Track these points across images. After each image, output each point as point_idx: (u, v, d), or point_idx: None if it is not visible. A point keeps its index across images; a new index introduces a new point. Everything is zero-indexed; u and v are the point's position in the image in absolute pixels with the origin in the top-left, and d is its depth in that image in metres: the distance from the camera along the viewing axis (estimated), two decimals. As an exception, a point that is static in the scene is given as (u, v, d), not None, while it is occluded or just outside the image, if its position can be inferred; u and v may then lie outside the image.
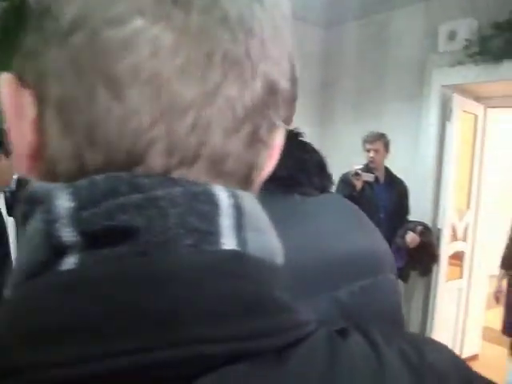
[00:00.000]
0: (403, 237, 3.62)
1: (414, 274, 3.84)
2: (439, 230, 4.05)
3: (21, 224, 0.32)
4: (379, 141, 3.86)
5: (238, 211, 0.32)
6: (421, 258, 3.71)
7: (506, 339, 3.72)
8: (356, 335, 0.34)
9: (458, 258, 4.37)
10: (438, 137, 4.12)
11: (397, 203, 3.79)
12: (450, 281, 4.25)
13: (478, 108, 4.28)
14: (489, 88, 4.03)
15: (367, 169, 3.83)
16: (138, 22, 0.29)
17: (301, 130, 0.81)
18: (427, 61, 4.20)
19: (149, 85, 0.30)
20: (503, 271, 4.02)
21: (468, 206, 4.39)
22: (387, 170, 3.95)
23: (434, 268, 3.99)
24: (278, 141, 0.38)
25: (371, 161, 3.88)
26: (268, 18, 0.33)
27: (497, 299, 4.05)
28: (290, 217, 0.71)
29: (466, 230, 4.39)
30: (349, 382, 0.30)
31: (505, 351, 3.46)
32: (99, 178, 0.30)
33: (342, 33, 4.99)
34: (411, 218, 3.87)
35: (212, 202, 0.31)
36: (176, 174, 0.31)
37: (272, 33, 0.34)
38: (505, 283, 4.00)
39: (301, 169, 0.75)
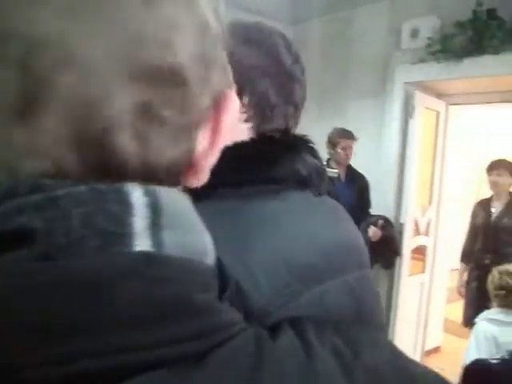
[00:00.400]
0: (365, 231, 3.66)
1: (376, 268, 3.89)
2: (402, 225, 4.11)
3: None
4: (354, 137, 3.88)
5: (154, 210, 0.30)
6: (383, 251, 3.75)
7: (467, 331, 3.81)
8: (289, 335, 0.33)
9: (420, 252, 4.45)
10: (400, 133, 4.18)
11: (358, 198, 3.81)
12: (413, 275, 4.33)
13: (439, 105, 4.35)
14: (450, 85, 4.10)
15: (328, 165, 3.84)
16: None
17: (310, 137, 0.86)
18: (390, 58, 4.25)
19: None
20: (464, 265, 4.12)
21: (430, 202, 4.47)
22: (349, 166, 3.97)
23: (397, 262, 4.05)
24: (224, 116, 0.37)
25: (347, 158, 3.88)
26: None
27: (460, 293, 4.14)
28: (310, 209, 0.76)
29: (428, 224, 4.47)
30: None
31: (465, 343, 3.53)
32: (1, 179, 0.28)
33: (307, 29, 5.00)
34: (374, 212, 3.91)
35: (123, 200, 0.29)
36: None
37: None
38: (465, 277, 4.10)
39: (316, 172, 0.79)
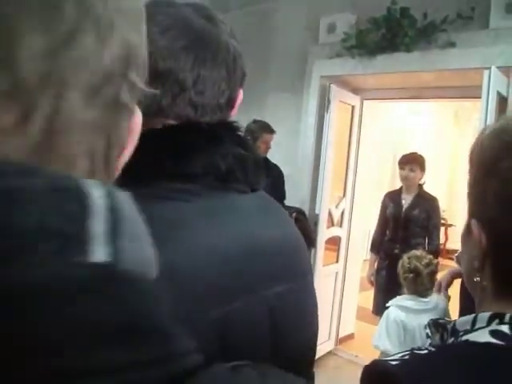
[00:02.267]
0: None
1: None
2: (317, 216, 4.19)
3: None
4: (275, 131, 3.91)
5: (115, 215, 0.28)
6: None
7: (378, 318, 3.96)
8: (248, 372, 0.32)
9: (334, 243, 4.57)
10: (316, 126, 4.26)
11: (271, 189, 3.83)
12: (327, 265, 4.44)
13: (354, 99, 4.47)
14: (365, 80, 4.23)
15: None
16: None
17: (240, 124, 0.75)
18: (309, 52, 4.31)
19: None
20: (374, 255, 4.27)
21: (344, 194, 4.59)
22: (265, 158, 3.97)
23: (312, 253, 4.13)
24: (137, 114, 0.36)
25: (266, 151, 3.90)
26: None
27: (370, 282, 4.29)
28: (227, 213, 0.68)
29: (342, 216, 4.60)
30: None
31: (376, 328, 3.68)
32: None
33: (227, 21, 4.97)
34: (291, 203, 3.97)
35: (81, 201, 0.27)
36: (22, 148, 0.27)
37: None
38: (376, 266, 4.25)
39: (241, 166, 0.70)
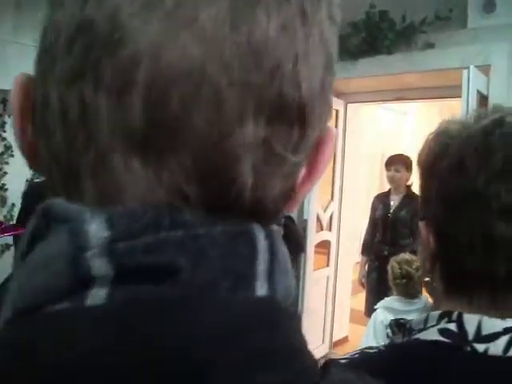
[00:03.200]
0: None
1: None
2: (305, 221, 4.20)
3: (30, 237, 0.29)
4: None
5: (272, 254, 0.31)
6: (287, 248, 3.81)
7: (370, 321, 3.96)
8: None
9: (324, 247, 4.58)
10: (301, 131, 4.26)
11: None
12: (318, 269, 4.44)
13: (338, 103, 4.49)
14: (348, 84, 4.24)
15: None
16: None
17: None
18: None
19: None
20: (364, 258, 4.28)
21: (332, 197, 4.60)
22: None
23: (302, 258, 4.13)
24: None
25: None
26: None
27: (361, 284, 4.30)
28: None
29: (330, 220, 4.61)
30: None
31: (369, 331, 3.68)
32: (138, 208, 0.28)
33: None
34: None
35: (251, 243, 0.30)
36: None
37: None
38: (367, 268, 4.26)
39: None
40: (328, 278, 4.63)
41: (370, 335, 2.84)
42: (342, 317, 4.92)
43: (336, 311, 4.76)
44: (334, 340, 4.78)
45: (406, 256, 3.08)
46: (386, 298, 3.02)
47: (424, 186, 0.70)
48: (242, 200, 0.31)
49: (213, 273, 0.28)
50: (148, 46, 0.27)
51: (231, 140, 0.29)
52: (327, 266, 4.63)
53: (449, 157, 0.65)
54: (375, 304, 3.23)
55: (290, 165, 0.32)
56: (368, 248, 4.25)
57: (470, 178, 0.63)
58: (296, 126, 0.31)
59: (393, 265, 3.04)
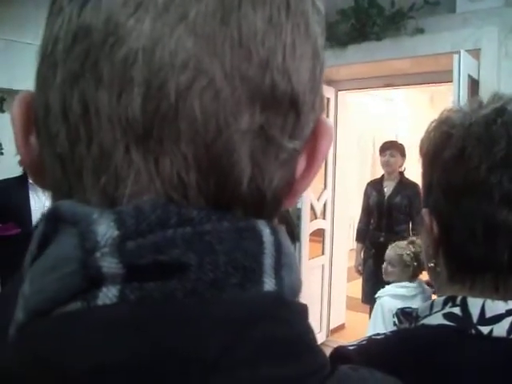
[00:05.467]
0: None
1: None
2: (299, 210, 4.21)
3: (39, 240, 0.30)
4: None
5: (278, 249, 0.32)
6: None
7: (367, 307, 3.99)
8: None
9: (319, 235, 4.59)
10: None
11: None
12: (313, 258, 4.45)
13: (329, 91, 4.48)
14: (338, 72, 4.23)
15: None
16: None
17: None
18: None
19: None
20: (360, 245, 4.30)
21: (325, 185, 4.61)
22: None
23: (297, 247, 4.14)
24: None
25: None
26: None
27: (358, 272, 4.32)
28: None
29: (324, 208, 4.61)
30: None
31: (367, 317, 3.71)
32: (145, 205, 0.28)
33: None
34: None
35: (257, 239, 0.31)
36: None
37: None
38: (362, 255, 4.28)
39: None
40: (323, 266, 4.65)
41: (378, 324, 2.82)
42: (339, 304, 4.95)
43: (332, 299, 4.78)
44: (331, 327, 4.80)
45: (402, 243, 3.04)
46: (388, 286, 3.00)
47: (426, 174, 0.71)
48: (242, 189, 0.31)
49: (221, 269, 0.28)
50: (143, 43, 0.28)
51: (228, 128, 0.30)
52: (322, 254, 4.65)
53: (451, 146, 0.66)
54: (372, 291, 3.24)
55: (287, 152, 0.33)
56: (363, 235, 4.27)
57: (472, 167, 0.64)
58: (290, 113, 0.32)
59: (397, 251, 2.97)
